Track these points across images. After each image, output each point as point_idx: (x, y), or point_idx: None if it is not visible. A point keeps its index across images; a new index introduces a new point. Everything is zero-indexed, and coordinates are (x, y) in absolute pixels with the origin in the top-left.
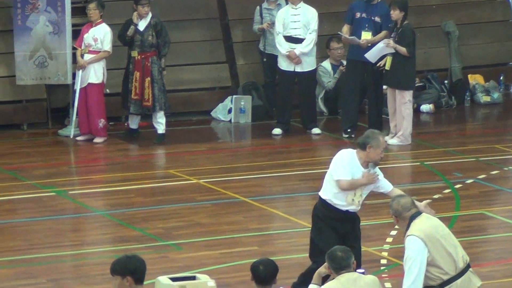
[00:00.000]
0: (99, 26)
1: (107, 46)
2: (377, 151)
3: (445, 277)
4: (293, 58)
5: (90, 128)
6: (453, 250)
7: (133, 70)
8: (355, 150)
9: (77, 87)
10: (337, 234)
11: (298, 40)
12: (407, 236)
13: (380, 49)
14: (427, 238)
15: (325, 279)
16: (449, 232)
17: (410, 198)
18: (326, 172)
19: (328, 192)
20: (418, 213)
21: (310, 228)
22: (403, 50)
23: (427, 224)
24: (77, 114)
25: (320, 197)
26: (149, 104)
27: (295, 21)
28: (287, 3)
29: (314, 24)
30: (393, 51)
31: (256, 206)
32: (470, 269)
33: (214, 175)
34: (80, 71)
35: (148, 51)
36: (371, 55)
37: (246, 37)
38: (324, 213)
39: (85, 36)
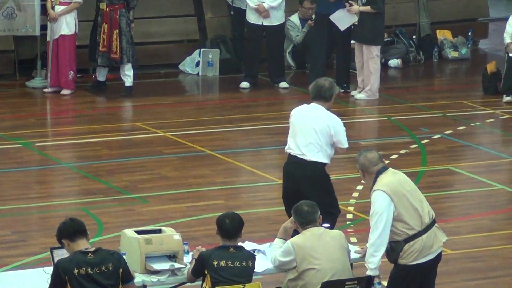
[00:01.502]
0: None
1: None
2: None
3: (411, 232)
4: (262, 12)
5: (60, 80)
6: (419, 205)
7: (101, 22)
8: (316, 104)
9: (50, 39)
10: None
11: None
12: (374, 191)
13: (344, 16)
14: (393, 193)
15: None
16: (415, 187)
17: (377, 152)
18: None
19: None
20: (385, 168)
21: (276, 182)
22: (367, 9)
23: (393, 179)
24: (46, 66)
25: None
26: (117, 56)
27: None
28: None
29: None
30: (356, 17)
31: (222, 160)
32: (436, 224)
33: (181, 128)
34: (52, 23)
35: (117, 4)
36: (339, 23)
37: None
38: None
39: None
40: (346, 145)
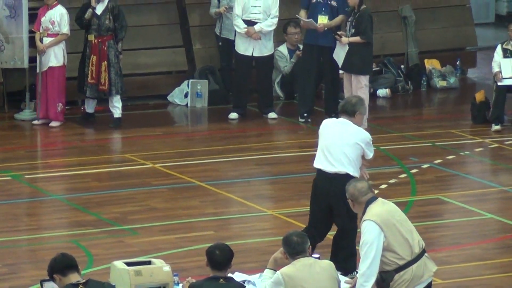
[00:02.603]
0: (55, 9)
1: (65, 28)
2: (363, 118)
3: (401, 262)
4: (252, 34)
5: (49, 112)
6: (409, 235)
7: (90, 53)
8: (344, 119)
9: (39, 71)
10: None
11: (256, 24)
12: (363, 221)
13: (340, 51)
14: (383, 223)
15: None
16: (405, 217)
17: (367, 182)
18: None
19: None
20: (374, 198)
21: (266, 213)
22: (357, 39)
23: (383, 208)
24: (34, 98)
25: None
26: (106, 88)
27: (255, 6)
28: None
29: (275, 10)
30: (347, 48)
31: (212, 191)
32: (426, 254)
33: (170, 159)
34: (41, 55)
35: (105, 35)
36: (337, 59)
37: (203, 21)
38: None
39: (42, 19)
40: (371, 155)
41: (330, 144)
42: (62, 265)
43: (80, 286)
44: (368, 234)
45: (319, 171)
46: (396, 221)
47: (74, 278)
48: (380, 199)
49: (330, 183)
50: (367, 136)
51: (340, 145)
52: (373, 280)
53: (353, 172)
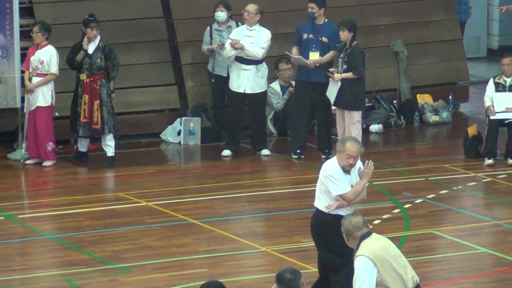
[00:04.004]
0: (44, 49)
1: (54, 68)
2: (342, 156)
3: None
4: (234, 43)
5: (39, 152)
6: (403, 270)
7: (82, 93)
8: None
9: (26, 111)
10: None
11: (249, 61)
12: (357, 256)
13: (332, 88)
14: (376, 259)
15: None
16: (399, 252)
17: (362, 217)
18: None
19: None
20: (369, 233)
21: (259, 250)
22: (349, 75)
23: (377, 244)
24: (25, 138)
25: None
26: (98, 127)
27: (248, 43)
28: (237, 25)
29: (264, 42)
30: (339, 84)
31: (205, 228)
32: None
33: (163, 197)
34: (29, 94)
35: (97, 74)
36: (330, 96)
37: (195, 59)
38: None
39: (32, 59)
40: (333, 193)
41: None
42: None
43: None
44: (361, 270)
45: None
46: (389, 257)
47: None
48: (374, 234)
49: (312, 218)
50: (327, 171)
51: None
52: None
53: (321, 206)
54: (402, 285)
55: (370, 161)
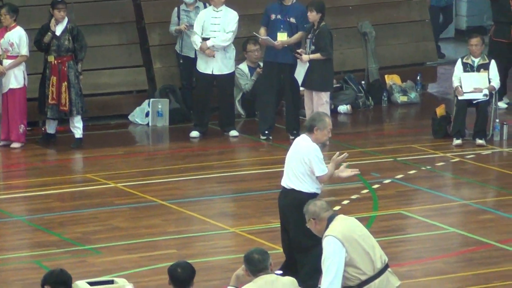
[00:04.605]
0: (13, 31)
1: (24, 50)
2: (323, 132)
3: (363, 277)
4: (204, 50)
5: (10, 134)
6: (371, 250)
7: (50, 75)
8: (304, 135)
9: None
10: None
11: None
12: (325, 236)
13: (300, 69)
14: (344, 239)
15: None
16: (367, 232)
17: (325, 201)
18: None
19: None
20: (335, 214)
21: (228, 230)
22: (317, 56)
23: (344, 224)
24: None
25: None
26: (66, 108)
27: (215, 24)
28: (205, 6)
29: (232, 25)
30: (307, 64)
31: (174, 209)
32: (389, 269)
33: (132, 178)
34: (1, 77)
35: (65, 56)
36: (298, 77)
37: (163, 41)
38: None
39: (1, 41)
40: (317, 173)
41: (286, 160)
42: (56, 279)
43: None
44: (329, 250)
45: (281, 187)
46: (357, 236)
47: None
48: (341, 215)
49: (282, 198)
50: (312, 152)
51: (290, 161)
52: None
53: (299, 187)
54: (371, 264)
55: (346, 153)
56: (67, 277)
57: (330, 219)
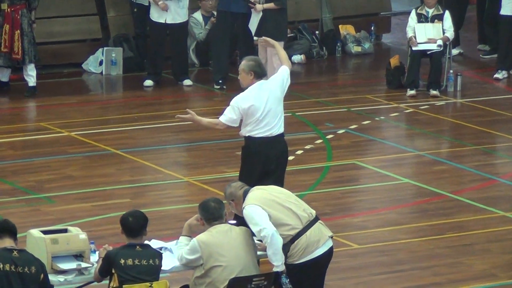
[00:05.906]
0: None
1: None
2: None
3: (293, 232)
4: (157, 2)
5: None
6: (293, 205)
7: (3, 22)
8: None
9: None
10: None
11: None
12: (243, 209)
13: (254, 18)
14: (261, 202)
15: None
16: (286, 191)
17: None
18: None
19: None
20: (249, 188)
21: (182, 180)
22: (271, 6)
23: (257, 192)
24: None
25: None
26: (19, 57)
27: None
28: None
29: None
30: (261, 14)
31: (128, 158)
32: (319, 221)
33: (85, 127)
34: None
35: (18, 4)
36: (251, 27)
37: None
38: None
39: None
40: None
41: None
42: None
43: (15, 252)
44: (254, 218)
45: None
46: (274, 196)
47: (9, 243)
48: (256, 187)
49: (276, 145)
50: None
51: (273, 105)
52: (279, 246)
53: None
54: (297, 218)
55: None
56: (12, 226)
57: (245, 193)
